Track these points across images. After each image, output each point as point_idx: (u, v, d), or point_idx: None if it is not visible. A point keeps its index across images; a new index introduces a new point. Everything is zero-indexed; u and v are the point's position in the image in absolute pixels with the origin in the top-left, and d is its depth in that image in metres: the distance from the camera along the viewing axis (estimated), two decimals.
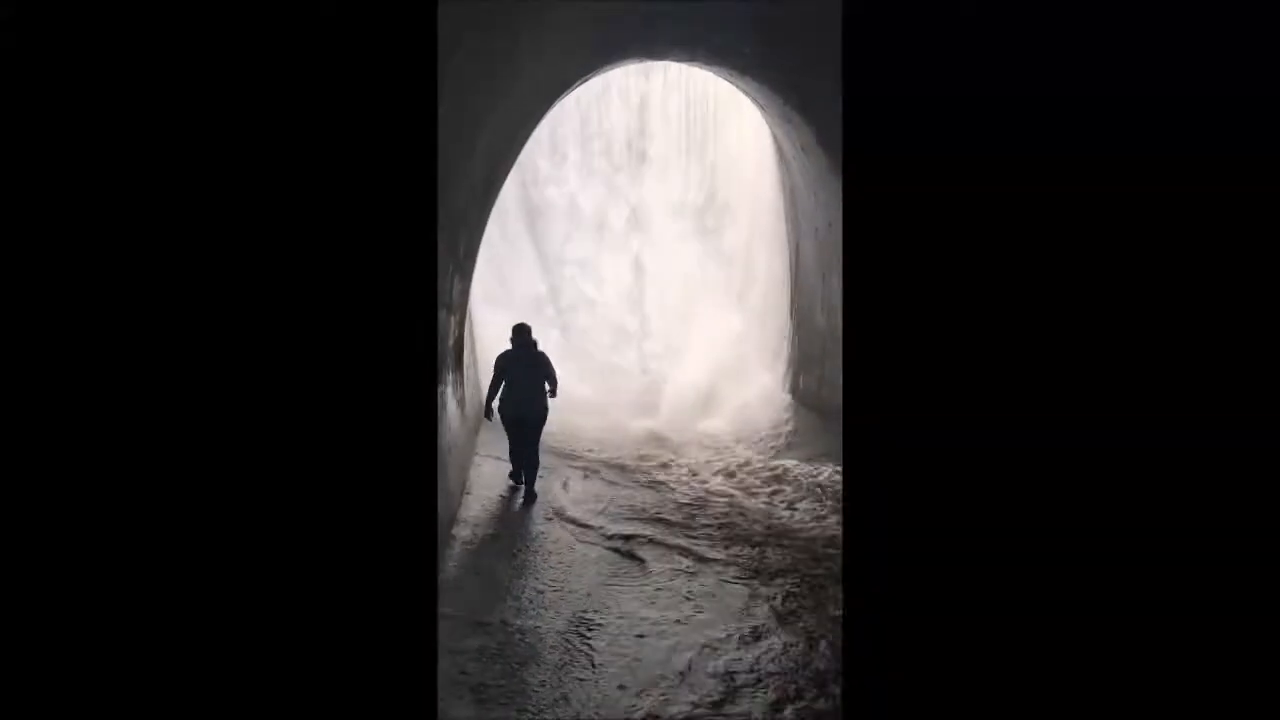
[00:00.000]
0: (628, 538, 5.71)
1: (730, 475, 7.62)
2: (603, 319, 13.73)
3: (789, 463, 7.70)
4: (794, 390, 9.55)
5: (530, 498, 6.43)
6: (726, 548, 5.55)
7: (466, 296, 7.82)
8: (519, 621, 4.23)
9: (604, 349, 13.21)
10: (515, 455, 6.61)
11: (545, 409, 6.35)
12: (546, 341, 12.66)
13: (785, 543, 5.68)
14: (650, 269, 13.97)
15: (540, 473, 6.81)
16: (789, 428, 8.91)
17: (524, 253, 13.71)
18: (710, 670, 3.73)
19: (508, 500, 6.58)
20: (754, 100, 8.95)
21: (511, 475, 6.80)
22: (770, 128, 9.45)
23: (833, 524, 5.97)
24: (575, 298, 13.80)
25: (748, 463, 7.97)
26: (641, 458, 8.29)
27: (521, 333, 6.42)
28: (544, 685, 3.56)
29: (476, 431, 8.08)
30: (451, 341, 6.14)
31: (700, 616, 4.37)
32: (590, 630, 4.15)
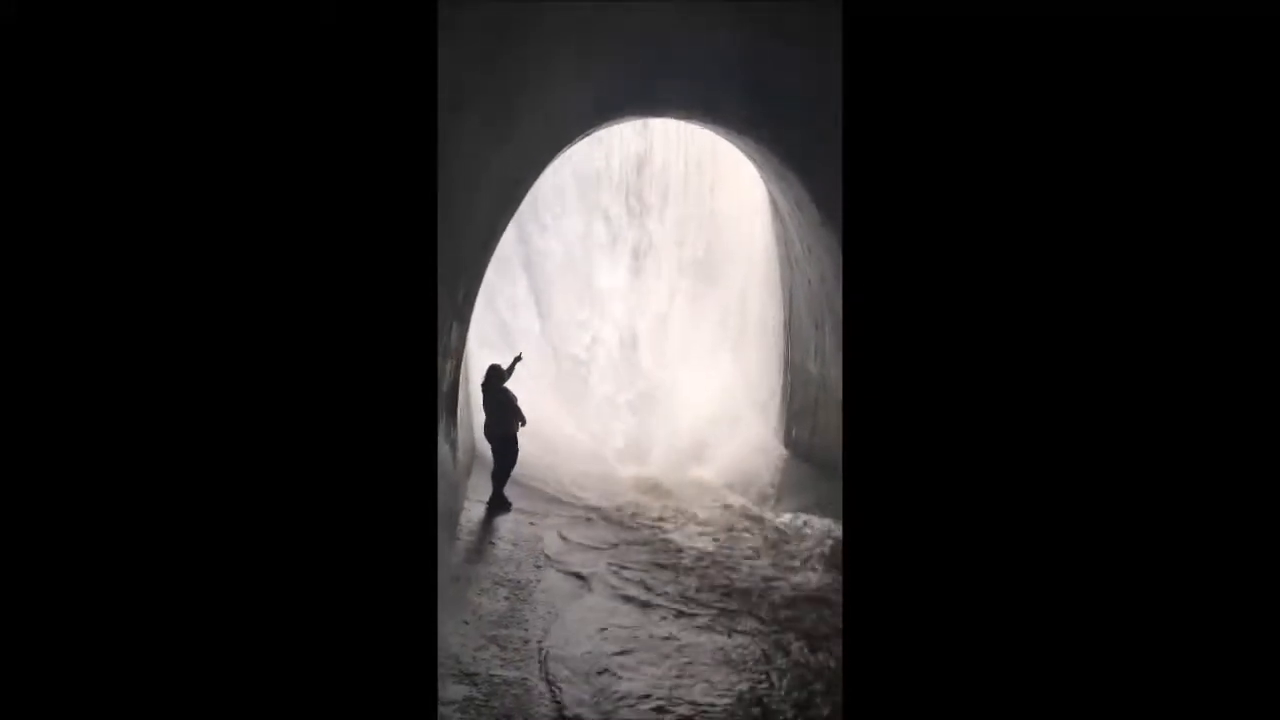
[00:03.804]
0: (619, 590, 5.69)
1: (728, 529, 7.61)
2: (598, 365, 13.85)
3: (785, 517, 7.68)
4: (786, 440, 9.58)
5: (497, 501, 7.29)
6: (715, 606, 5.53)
7: (464, 341, 7.91)
8: (505, 673, 4.21)
9: (598, 395, 13.29)
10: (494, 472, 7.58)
11: (511, 433, 7.51)
12: (541, 386, 12.71)
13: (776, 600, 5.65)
14: (647, 317, 14.14)
15: (532, 520, 6.82)
16: (781, 478, 8.92)
17: (521, 298, 13.88)
18: None
19: (493, 544, 6.56)
20: (750, 157, 9.19)
21: (489, 501, 7.42)
22: (765, 183, 9.68)
23: (824, 579, 5.97)
24: (571, 343, 13.93)
25: (742, 511, 7.96)
26: (635, 507, 8.28)
27: (492, 376, 7.56)
28: None
29: (469, 473, 8.09)
30: (446, 387, 6.21)
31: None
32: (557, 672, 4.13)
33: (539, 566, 6.12)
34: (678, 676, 4.27)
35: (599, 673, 4.29)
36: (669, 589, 5.81)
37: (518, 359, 7.98)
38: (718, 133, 9.08)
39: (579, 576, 5.87)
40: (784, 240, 9.81)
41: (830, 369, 8.85)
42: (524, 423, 7.55)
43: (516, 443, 7.56)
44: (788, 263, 9.82)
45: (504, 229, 7.37)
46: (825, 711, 3.89)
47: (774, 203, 9.75)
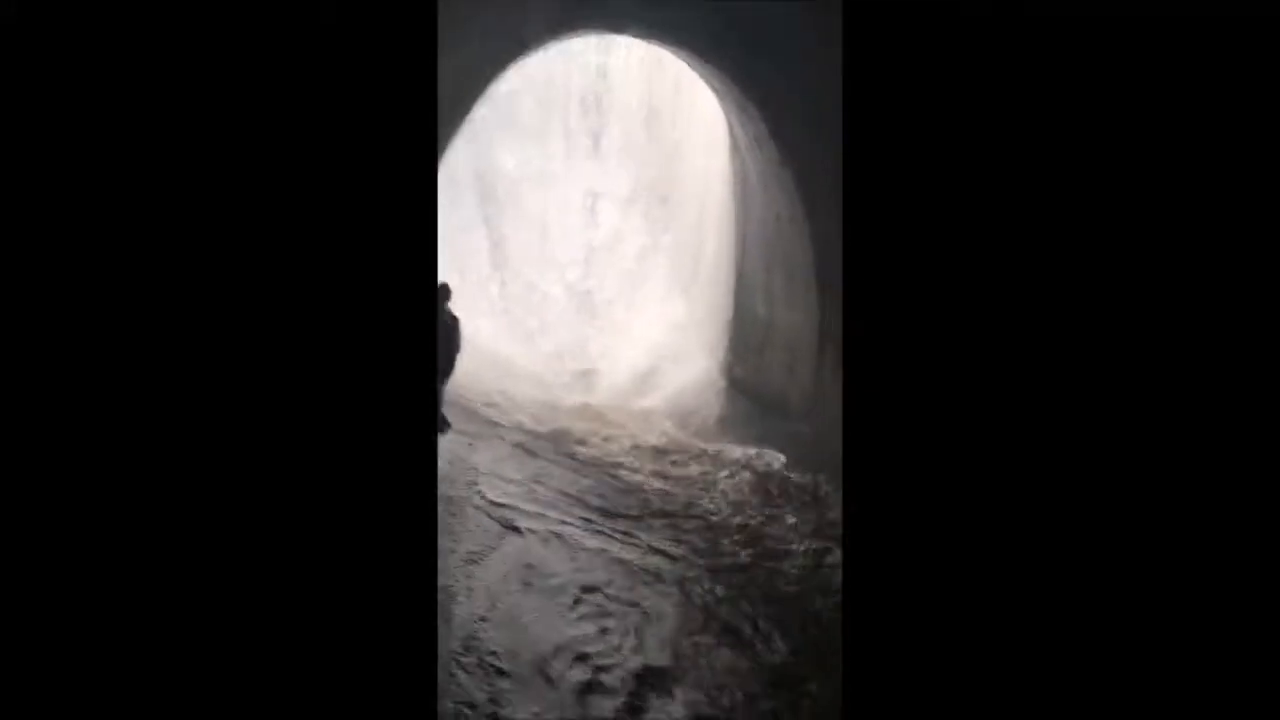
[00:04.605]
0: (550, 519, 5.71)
1: (663, 453, 7.67)
2: (548, 294, 13.64)
3: (725, 449, 7.77)
4: (730, 378, 9.65)
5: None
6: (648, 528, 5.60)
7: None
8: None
9: (547, 324, 13.13)
10: None
11: (450, 351, 6.99)
12: (489, 310, 12.47)
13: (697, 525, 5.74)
14: (600, 248, 13.93)
15: (470, 441, 6.77)
16: (723, 413, 9.01)
17: (472, 223, 13.50)
18: None
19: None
20: (711, 86, 8.98)
21: None
22: (726, 115, 9.49)
23: (756, 511, 6.09)
24: (522, 270, 13.66)
25: (683, 442, 8.04)
26: (577, 434, 8.27)
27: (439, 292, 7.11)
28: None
29: None
30: None
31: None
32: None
33: (471, 484, 6.08)
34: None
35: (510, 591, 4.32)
36: (603, 513, 5.85)
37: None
38: (679, 55, 8.83)
39: (506, 507, 5.82)
40: (741, 178, 9.69)
41: (776, 311, 8.88)
42: (459, 350, 7.07)
43: (454, 365, 7.34)
44: (743, 201, 9.73)
45: (449, 139, 7.09)
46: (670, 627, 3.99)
47: (734, 137, 9.59)
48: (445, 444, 6.97)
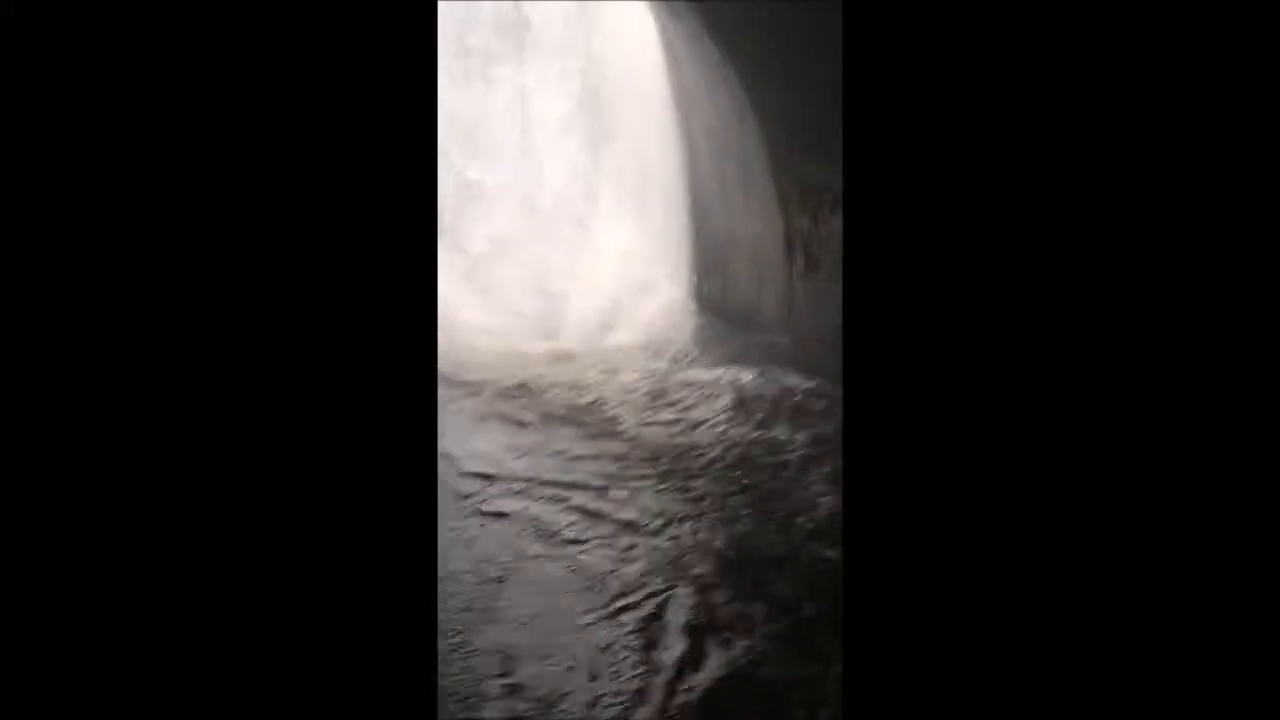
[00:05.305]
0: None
1: (643, 390, 7.34)
2: (493, 237, 12.93)
3: (705, 372, 7.48)
4: (699, 298, 9.32)
5: None
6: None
7: None
8: None
9: (496, 270, 12.48)
10: None
11: None
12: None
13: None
14: (539, 177, 13.15)
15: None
16: (697, 336, 8.70)
17: None
18: None
19: None
20: None
21: None
22: (654, 17, 8.79)
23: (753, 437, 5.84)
24: (462, 215, 12.89)
25: (660, 372, 7.72)
26: (547, 381, 7.88)
27: None
28: None
29: None
30: None
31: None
32: None
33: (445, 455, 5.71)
34: None
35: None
36: (586, 467, 5.55)
37: None
38: None
39: (482, 476, 5.48)
40: (678, 84, 9.07)
41: (737, 222, 8.50)
42: None
43: None
44: (683, 109, 9.14)
45: None
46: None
47: (665, 40, 8.91)
48: None
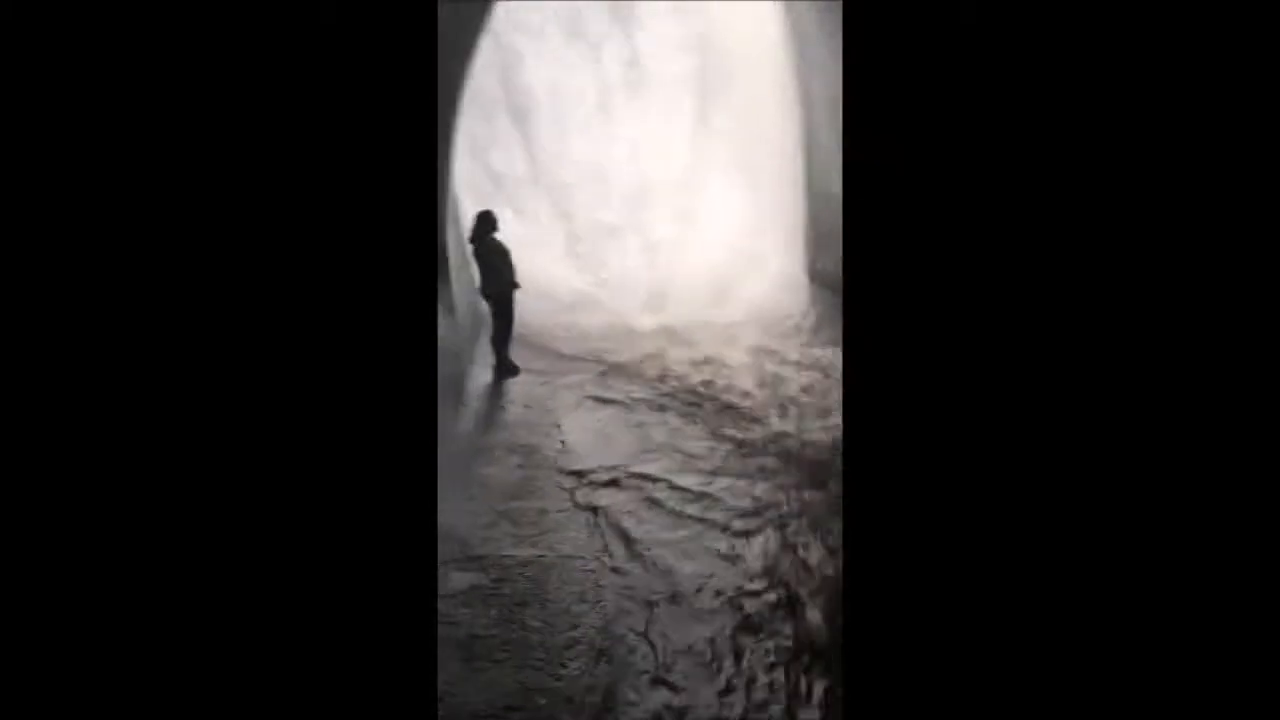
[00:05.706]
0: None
1: (756, 372, 7.03)
2: (601, 208, 12.80)
3: (818, 352, 7.08)
4: (812, 272, 8.85)
5: (502, 366, 6.84)
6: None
7: (447, 191, 7.12)
8: (517, 553, 3.76)
9: (603, 242, 12.36)
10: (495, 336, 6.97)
11: (506, 289, 6.80)
12: (540, 237, 11.89)
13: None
14: (648, 148, 12.87)
15: (544, 380, 6.33)
16: (810, 311, 8.26)
17: (506, 140, 12.66)
18: None
19: (503, 409, 6.07)
20: None
21: (494, 367, 6.96)
22: None
23: None
24: (568, 187, 12.83)
25: (771, 351, 7.37)
26: (655, 358, 7.69)
27: (481, 224, 6.74)
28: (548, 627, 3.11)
29: (475, 338, 7.54)
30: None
31: None
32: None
33: (558, 426, 5.64)
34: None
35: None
36: (696, 443, 5.33)
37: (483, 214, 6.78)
38: None
39: (587, 456, 5.37)
40: (798, 38, 8.55)
41: None
42: (517, 286, 6.82)
43: (513, 299, 6.82)
44: (803, 65, 8.62)
45: (471, 58, 6.35)
46: None
47: (788, 9, 8.42)
48: (518, 387, 6.55)
